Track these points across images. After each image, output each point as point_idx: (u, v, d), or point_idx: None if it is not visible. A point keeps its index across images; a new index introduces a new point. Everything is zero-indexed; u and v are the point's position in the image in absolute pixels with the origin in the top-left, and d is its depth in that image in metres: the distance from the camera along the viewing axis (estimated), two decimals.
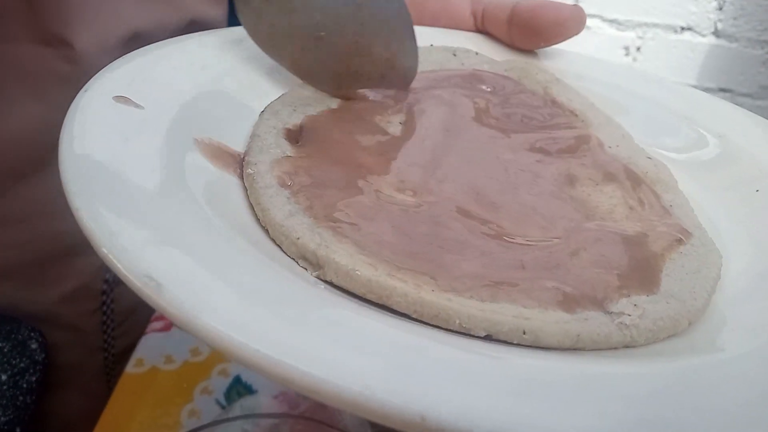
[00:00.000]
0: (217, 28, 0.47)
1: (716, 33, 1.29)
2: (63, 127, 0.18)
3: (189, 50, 0.25)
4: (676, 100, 0.30)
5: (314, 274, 0.17)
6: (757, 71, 1.33)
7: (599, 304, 0.17)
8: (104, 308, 0.49)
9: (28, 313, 0.45)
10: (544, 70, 0.31)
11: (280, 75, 0.27)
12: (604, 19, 1.25)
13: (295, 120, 0.24)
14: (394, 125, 0.25)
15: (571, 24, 0.30)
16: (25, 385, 0.43)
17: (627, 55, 1.28)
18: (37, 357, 0.44)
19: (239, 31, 0.28)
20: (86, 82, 0.38)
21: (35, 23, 0.36)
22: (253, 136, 0.22)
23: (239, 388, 0.39)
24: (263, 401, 0.38)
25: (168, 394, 0.38)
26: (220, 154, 0.21)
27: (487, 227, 0.20)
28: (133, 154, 0.17)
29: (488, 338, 0.16)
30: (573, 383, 0.14)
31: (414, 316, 0.16)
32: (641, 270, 0.19)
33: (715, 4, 1.26)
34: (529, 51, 0.33)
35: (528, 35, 0.32)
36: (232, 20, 0.50)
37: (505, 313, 0.16)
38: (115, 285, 0.49)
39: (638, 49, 1.28)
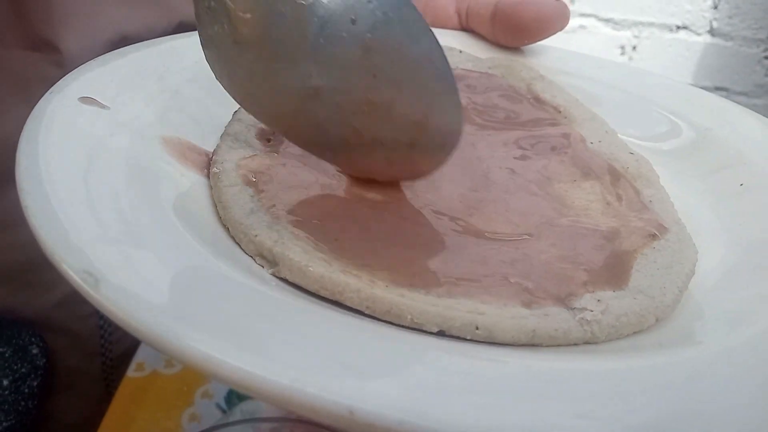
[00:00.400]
0: None
1: (712, 32, 1.29)
2: (24, 127, 0.18)
3: (163, 51, 0.24)
4: (662, 94, 0.30)
5: (270, 271, 0.17)
6: (753, 70, 1.33)
7: (562, 300, 0.17)
8: (100, 312, 0.49)
9: (24, 317, 0.46)
10: (529, 67, 0.31)
11: None
12: (599, 19, 1.25)
13: None
14: None
15: (554, 20, 0.30)
16: (26, 390, 0.43)
17: (623, 54, 1.29)
18: (38, 362, 0.44)
19: None
20: None
21: (23, 28, 0.36)
22: (224, 136, 0.22)
23: (239, 393, 0.39)
24: (263, 405, 0.39)
25: (169, 398, 0.39)
26: (188, 153, 0.20)
27: (455, 223, 0.19)
28: (94, 154, 0.17)
29: (441, 334, 0.16)
30: (514, 379, 0.14)
31: (366, 312, 0.16)
32: (611, 266, 0.19)
33: (710, 2, 1.26)
34: (514, 48, 0.33)
35: (511, 32, 0.31)
36: None
37: (459, 309, 0.16)
38: None
39: (634, 48, 1.29)
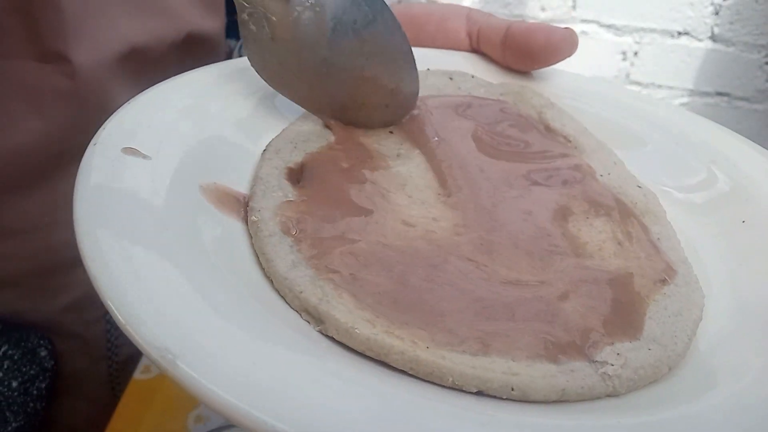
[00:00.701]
0: (214, 40, 0.48)
1: (713, 37, 1.30)
2: (76, 183, 0.18)
3: (188, 90, 0.25)
4: (671, 122, 0.30)
5: (317, 329, 0.18)
6: (754, 75, 1.34)
7: (584, 353, 0.18)
8: (107, 317, 0.50)
9: (33, 322, 0.46)
10: (539, 94, 0.31)
11: (280, 109, 0.27)
12: (601, 25, 1.25)
13: (296, 158, 0.24)
14: (392, 158, 0.26)
15: (563, 46, 0.31)
16: (35, 392, 0.44)
17: (624, 60, 1.29)
18: (46, 364, 0.45)
19: (236, 64, 0.28)
20: (84, 97, 0.39)
21: (34, 40, 0.37)
22: (256, 179, 0.23)
23: None
24: None
25: (175, 400, 0.39)
26: (225, 199, 0.21)
27: (481, 270, 0.20)
28: (144, 210, 0.18)
29: (480, 394, 0.17)
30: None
31: (410, 372, 0.17)
32: (625, 314, 0.20)
33: (711, 8, 1.27)
34: (524, 72, 0.33)
35: (521, 58, 0.32)
36: (229, 32, 0.51)
37: (495, 371, 0.17)
38: None
39: (636, 54, 1.29)
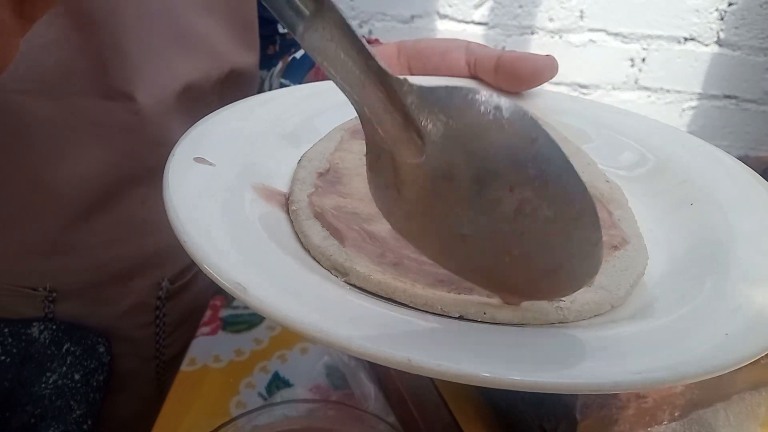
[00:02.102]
0: (251, 73, 0.53)
1: (719, 42, 1.32)
2: (163, 187, 0.23)
3: (240, 114, 0.31)
4: (634, 128, 0.36)
5: (343, 279, 0.24)
6: (761, 77, 1.36)
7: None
8: (157, 321, 0.55)
9: (92, 327, 0.51)
10: None
11: (311, 128, 0.33)
12: (609, 33, 1.28)
13: (324, 165, 0.30)
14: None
15: (546, 71, 0.36)
16: (95, 384, 0.48)
17: (632, 66, 1.33)
18: (104, 359, 0.49)
19: (273, 95, 0.35)
20: (144, 130, 0.45)
21: (102, 80, 0.41)
22: (294, 180, 0.29)
23: (278, 383, 0.44)
24: (300, 393, 0.44)
25: (217, 388, 0.44)
26: (271, 195, 0.27)
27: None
28: (214, 202, 0.24)
29: (461, 318, 0.22)
30: (499, 338, 0.21)
31: (410, 305, 0.23)
32: None
33: (716, 14, 1.29)
34: (514, 93, 0.39)
35: (511, 81, 0.37)
36: (262, 65, 0.56)
37: (472, 301, 0.22)
38: (166, 301, 0.54)
39: (643, 60, 1.32)
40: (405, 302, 0.22)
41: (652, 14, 1.27)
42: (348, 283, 0.23)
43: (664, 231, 0.29)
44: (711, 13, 1.29)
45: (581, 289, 0.21)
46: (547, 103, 0.38)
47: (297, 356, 0.47)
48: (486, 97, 0.19)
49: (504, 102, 0.19)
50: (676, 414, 0.31)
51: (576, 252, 0.20)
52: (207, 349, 0.47)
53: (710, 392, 0.31)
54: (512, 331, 0.21)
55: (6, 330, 0.48)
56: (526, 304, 0.22)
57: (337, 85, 0.21)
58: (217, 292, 0.54)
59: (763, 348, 0.19)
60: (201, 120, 0.29)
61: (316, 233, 0.25)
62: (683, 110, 1.39)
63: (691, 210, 0.29)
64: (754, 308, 0.21)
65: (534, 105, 0.37)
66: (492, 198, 0.19)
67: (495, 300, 0.22)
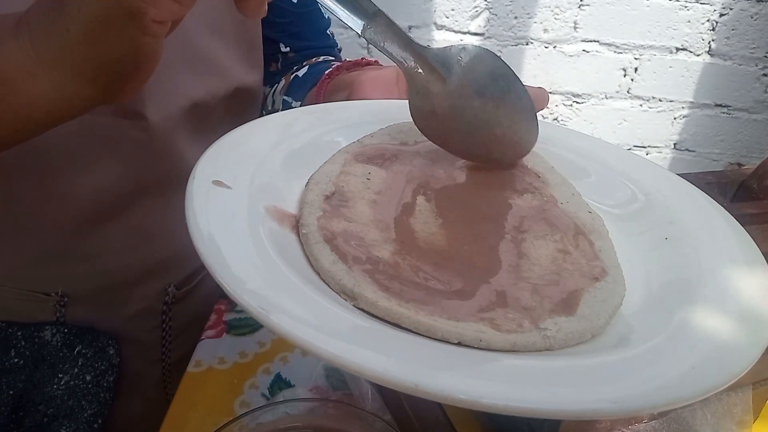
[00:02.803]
0: (255, 90, 0.55)
1: (710, 52, 1.34)
2: (185, 207, 0.25)
3: (252, 136, 0.33)
4: (617, 161, 0.38)
5: (351, 303, 0.25)
6: (752, 86, 1.38)
7: (534, 323, 0.26)
8: (163, 325, 0.57)
9: (101, 329, 0.53)
10: None
11: (316, 150, 0.35)
12: (602, 43, 1.29)
13: (330, 188, 0.32)
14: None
15: (537, 104, 0.38)
16: (105, 384, 0.50)
17: (625, 75, 1.34)
18: (114, 361, 0.51)
19: (283, 117, 0.36)
20: (153, 145, 0.47)
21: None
22: (303, 203, 0.31)
23: (280, 384, 0.46)
24: (300, 393, 0.45)
25: (222, 389, 0.45)
26: (282, 217, 0.29)
27: (458, 271, 0.28)
28: (234, 227, 0.26)
29: (460, 344, 0.24)
30: (493, 365, 0.23)
31: (414, 330, 0.25)
32: (566, 299, 0.27)
33: (707, 25, 1.31)
34: None
35: None
36: (265, 81, 0.58)
37: (469, 329, 0.25)
38: (172, 305, 0.56)
39: (636, 70, 1.34)
40: (409, 328, 0.24)
41: (644, 25, 1.29)
42: (356, 308, 0.25)
43: (641, 262, 0.31)
44: (702, 23, 1.30)
45: (565, 319, 0.26)
46: (558, 136, 0.40)
47: (298, 358, 0.48)
48: (470, 47, 0.35)
49: (480, 49, 0.35)
50: (656, 413, 0.33)
51: (525, 131, 0.36)
52: (212, 352, 0.49)
53: None
54: (505, 359, 0.24)
55: (19, 333, 0.50)
56: (518, 333, 0.25)
57: (390, 57, 0.34)
58: (221, 296, 0.55)
59: (724, 381, 0.22)
60: (217, 141, 0.31)
61: (326, 257, 0.27)
62: (675, 119, 1.41)
63: (666, 245, 0.31)
64: (714, 343, 0.24)
65: (547, 135, 0.39)
66: (484, 103, 0.35)
67: (488, 330, 0.25)
